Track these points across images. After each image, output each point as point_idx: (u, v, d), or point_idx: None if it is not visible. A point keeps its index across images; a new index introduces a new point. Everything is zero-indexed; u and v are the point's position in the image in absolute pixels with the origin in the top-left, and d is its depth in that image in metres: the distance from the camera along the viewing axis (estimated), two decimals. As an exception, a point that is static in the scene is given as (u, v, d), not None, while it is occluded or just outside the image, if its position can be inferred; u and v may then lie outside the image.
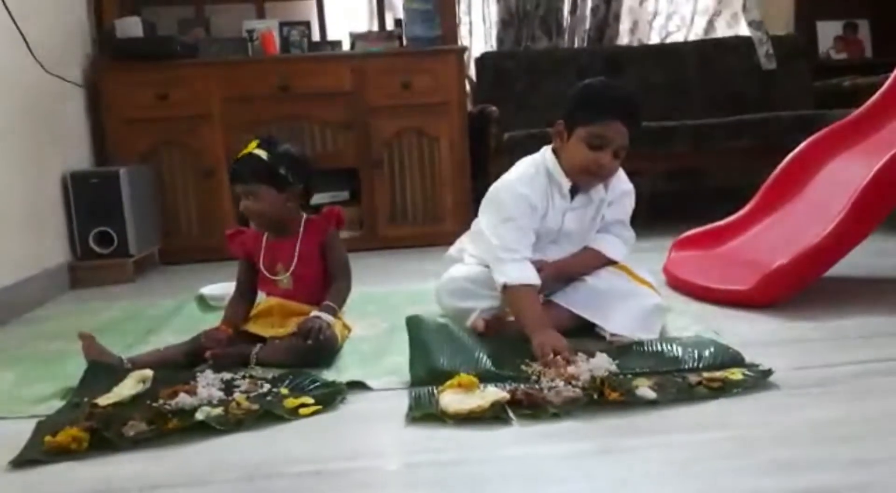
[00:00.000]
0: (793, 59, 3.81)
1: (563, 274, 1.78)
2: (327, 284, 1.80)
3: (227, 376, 1.54)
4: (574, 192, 1.77)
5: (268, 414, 1.36)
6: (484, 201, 1.86)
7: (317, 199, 3.24)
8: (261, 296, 1.84)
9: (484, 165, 3.31)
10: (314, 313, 1.68)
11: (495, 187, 1.82)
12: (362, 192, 3.29)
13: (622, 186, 1.83)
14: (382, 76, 3.22)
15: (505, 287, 1.69)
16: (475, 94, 3.77)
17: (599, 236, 1.84)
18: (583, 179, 1.75)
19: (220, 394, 1.43)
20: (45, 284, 2.60)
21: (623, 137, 1.67)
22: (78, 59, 3.08)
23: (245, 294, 1.83)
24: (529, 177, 1.77)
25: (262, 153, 1.74)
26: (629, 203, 1.86)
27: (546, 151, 1.80)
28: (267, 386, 1.48)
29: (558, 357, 1.48)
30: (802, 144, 2.43)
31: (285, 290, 1.78)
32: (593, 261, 1.81)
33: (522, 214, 1.73)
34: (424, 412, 1.33)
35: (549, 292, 1.78)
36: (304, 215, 1.82)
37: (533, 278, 1.68)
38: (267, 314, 1.77)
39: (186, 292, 2.47)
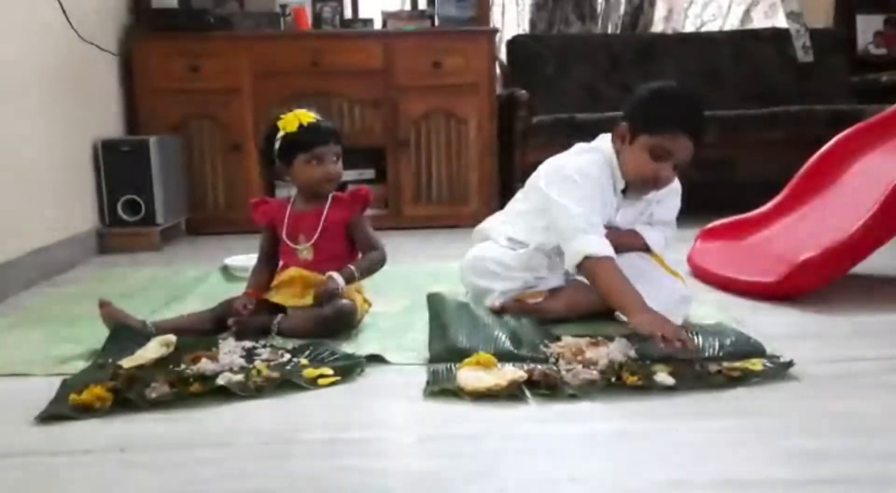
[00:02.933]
0: (830, 53, 3.74)
1: (612, 244, 1.77)
2: (352, 260, 1.80)
3: (248, 344, 1.56)
4: (624, 190, 1.77)
5: (287, 383, 1.37)
6: (545, 180, 1.78)
7: (342, 176, 3.27)
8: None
9: (511, 149, 3.30)
10: (329, 273, 1.69)
11: (564, 169, 1.75)
12: (388, 170, 3.30)
13: (672, 184, 1.82)
14: (413, 55, 3.22)
15: (587, 259, 1.62)
16: (505, 76, 3.75)
17: (644, 226, 1.84)
18: (638, 186, 1.74)
19: (242, 362, 1.45)
20: (74, 248, 2.64)
21: (688, 152, 1.65)
22: (113, 27, 3.11)
23: (267, 263, 1.84)
24: (599, 164, 1.74)
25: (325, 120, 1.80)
26: (677, 202, 1.86)
27: (607, 144, 1.77)
28: (287, 356, 1.50)
29: (679, 337, 1.43)
30: (834, 139, 2.39)
31: (305, 260, 1.78)
32: (633, 241, 1.80)
33: (597, 194, 1.71)
34: (442, 388, 1.34)
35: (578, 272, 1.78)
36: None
37: (613, 252, 1.63)
38: (288, 285, 1.78)
39: (211, 262, 2.50)
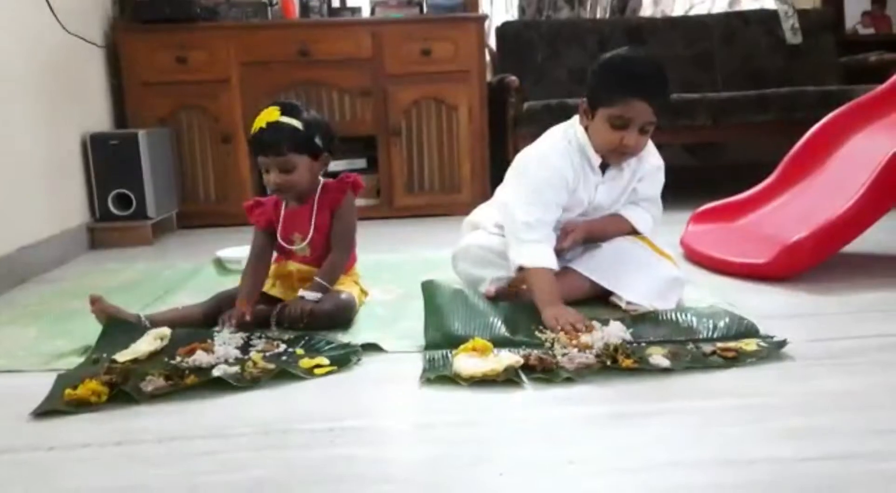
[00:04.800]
0: (819, 34, 3.74)
1: (591, 235, 1.79)
2: None
3: (243, 335, 1.55)
4: (605, 166, 1.76)
5: (283, 373, 1.37)
6: (512, 170, 1.83)
7: (334, 166, 3.24)
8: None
9: (502, 135, 3.29)
10: (301, 292, 1.65)
11: (526, 157, 1.79)
12: (379, 160, 3.29)
13: (653, 160, 1.82)
14: (402, 43, 3.20)
15: (520, 268, 1.68)
16: (495, 63, 3.73)
17: (630, 206, 1.83)
18: (612, 158, 1.73)
19: (237, 353, 1.45)
20: (65, 244, 2.63)
21: (646, 114, 1.64)
22: (98, 20, 3.08)
23: (260, 263, 1.75)
24: (563, 149, 1.74)
25: (293, 121, 1.65)
26: (660, 179, 1.85)
27: (577, 124, 1.77)
28: (283, 346, 1.50)
29: (570, 325, 1.49)
30: (824, 119, 2.40)
31: (303, 256, 1.76)
32: (619, 226, 1.81)
33: (551, 186, 1.71)
34: (438, 374, 1.34)
35: (570, 257, 1.78)
36: (321, 180, 1.78)
37: (548, 261, 1.66)
38: (287, 278, 1.77)
39: (204, 255, 2.49)
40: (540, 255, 1.66)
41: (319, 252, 1.75)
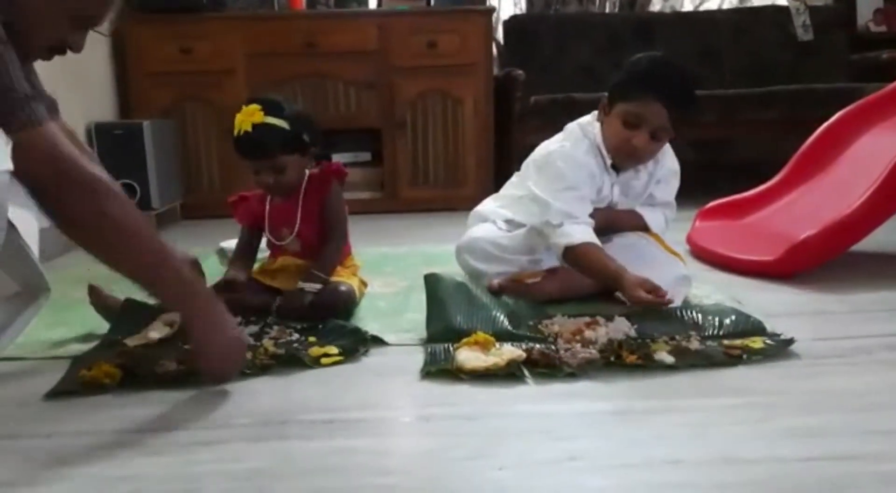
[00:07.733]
0: (830, 31, 3.72)
1: (608, 222, 1.77)
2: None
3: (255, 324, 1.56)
4: (618, 166, 1.75)
5: (292, 360, 1.37)
6: (533, 167, 1.80)
7: (338, 159, 3.24)
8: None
9: (507, 129, 3.28)
10: (300, 284, 1.63)
11: (549, 154, 1.75)
12: (384, 153, 3.28)
13: (670, 164, 1.82)
14: (408, 35, 3.18)
15: (567, 250, 1.63)
16: (501, 57, 3.72)
17: (644, 207, 1.83)
18: (619, 158, 1.72)
19: (250, 340, 1.44)
20: (69, 233, 2.61)
21: (660, 119, 1.63)
22: (104, 9, 3.07)
23: (246, 258, 1.76)
24: (586, 147, 1.72)
25: (279, 121, 1.60)
26: (676, 183, 1.85)
27: (593, 121, 1.76)
28: (296, 335, 1.50)
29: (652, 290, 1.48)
30: (834, 117, 2.38)
31: (294, 252, 1.74)
32: (634, 220, 1.80)
33: (583, 183, 1.69)
34: (440, 368, 1.33)
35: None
36: (307, 172, 1.74)
37: (595, 239, 1.64)
38: (284, 271, 1.76)
39: (208, 246, 2.48)
40: (584, 233, 1.64)
41: (311, 245, 1.73)
